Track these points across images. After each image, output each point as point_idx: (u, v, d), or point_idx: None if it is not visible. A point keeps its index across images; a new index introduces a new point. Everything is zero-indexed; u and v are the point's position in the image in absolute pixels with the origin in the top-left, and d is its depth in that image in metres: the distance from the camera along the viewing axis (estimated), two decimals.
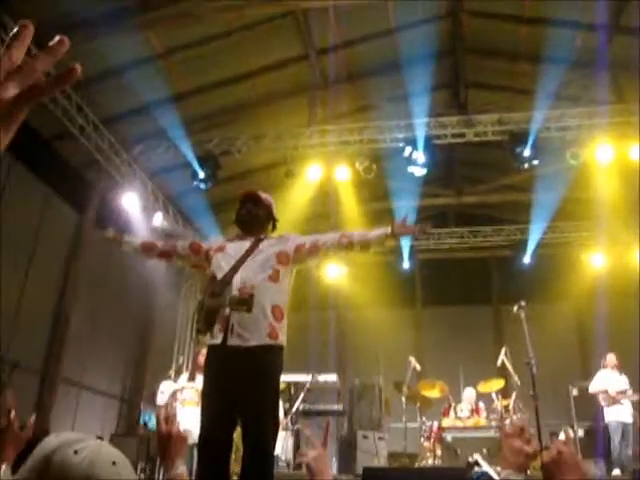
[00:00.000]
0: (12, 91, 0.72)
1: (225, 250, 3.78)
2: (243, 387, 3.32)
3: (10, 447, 2.05)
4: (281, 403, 8.16)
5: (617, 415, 8.82)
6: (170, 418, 1.96)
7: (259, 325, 3.45)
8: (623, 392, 8.89)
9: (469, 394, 9.43)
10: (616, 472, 8.17)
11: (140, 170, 10.47)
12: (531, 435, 1.68)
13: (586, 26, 9.55)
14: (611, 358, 9.23)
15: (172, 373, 8.03)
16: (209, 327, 3.51)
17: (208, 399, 3.47)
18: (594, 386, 9.10)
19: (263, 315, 3.48)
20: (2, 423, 2.08)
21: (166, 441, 1.92)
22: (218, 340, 3.46)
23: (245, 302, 3.49)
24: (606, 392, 8.92)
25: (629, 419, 8.78)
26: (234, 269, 3.61)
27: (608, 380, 9.04)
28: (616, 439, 8.67)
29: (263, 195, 3.93)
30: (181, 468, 1.91)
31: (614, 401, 8.86)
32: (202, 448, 3.36)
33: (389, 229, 3.49)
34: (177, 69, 9.62)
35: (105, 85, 8.77)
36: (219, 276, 3.63)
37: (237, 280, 3.57)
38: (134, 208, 10.35)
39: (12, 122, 0.74)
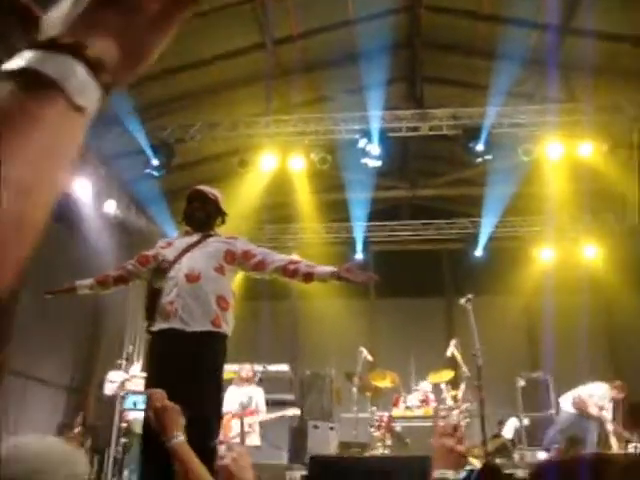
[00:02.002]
0: None
1: (172, 245, 3.87)
2: (184, 372, 3.32)
3: None
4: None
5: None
6: (161, 394, 2.15)
7: (203, 311, 3.49)
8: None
9: (423, 386, 9.54)
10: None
11: (91, 155, 10.25)
12: (463, 434, 1.71)
13: (540, 26, 9.73)
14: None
15: (121, 362, 7.94)
16: (152, 313, 3.52)
17: (150, 385, 3.46)
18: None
19: (208, 302, 3.52)
20: None
21: (163, 415, 2.08)
22: (161, 325, 3.47)
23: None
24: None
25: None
26: (179, 256, 3.64)
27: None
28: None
29: (209, 191, 3.97)
30: (180, 437, 2.04)
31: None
32: (145, 436, 3.34)
33: (335, 270, 3.50)
34: None
35: None
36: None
37: (184, 266, 3.60)
38: (85, 194, 10.14)
39: (160, 34, 0.69)
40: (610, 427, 8.95)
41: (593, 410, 8.97)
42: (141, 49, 0.68)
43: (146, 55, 0.69)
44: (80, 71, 0.60)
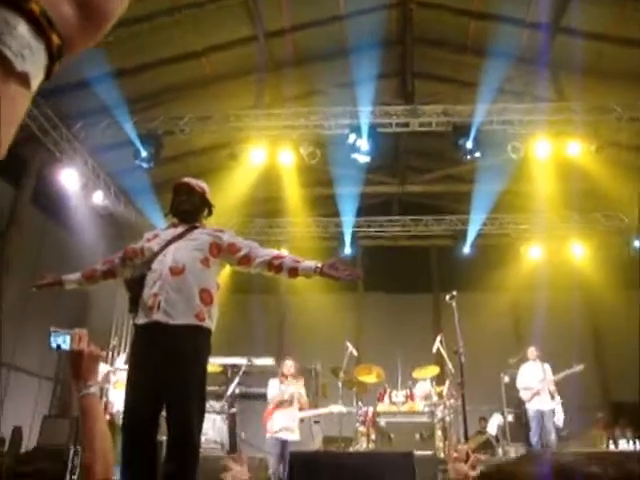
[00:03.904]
0: None
1: (158, 237, 3.83)
2: (167, 366, 3.32)
3: None
4: (216, 386, 8.18)
5: (535, 405, 9.27)
6: (83, 336, 1.95)
7: (186, 305, 3.47)
8: (542, 380, 9.29)
9: (423, 386, 9.47)
10: None
11: (80, 146, 10.20)
12: (476, 460, 1.72)
13: (530, 24, 9.77)
14: (531, 351, 9.62)
15: (105, 354, 7.92)
16: (135, 305, 3.51)
17: (132, 379, 3.46)
18: (519, 382, 9.50)
19: (191, 296, 3.51)
20: None
21: (78, 359, 1.91)
22: (144, 318, 3.46)
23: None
24: (527, 388, 9.30)
25: (548, 406, 9.18)
26: (163, 247, 3.64)
27: (529, 375, 9.44)
28: (533, 428, 9.13)
29: (195, 183, 3.96)
30: (93, 389, 1.89)
31: (533, 394, 9.27)
32: (126, 429, 3.34)
33: (319, 266, 3.50)
34: (121, 45, 9.35)
35: None
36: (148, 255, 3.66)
37: (168, 258, 3.59)
38: (73, 185, 10.10)
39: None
40: None
41: None
42: (99, 7, 0.58)
43: (106, 15, 0.59)
44: (21, 28, 0.49)
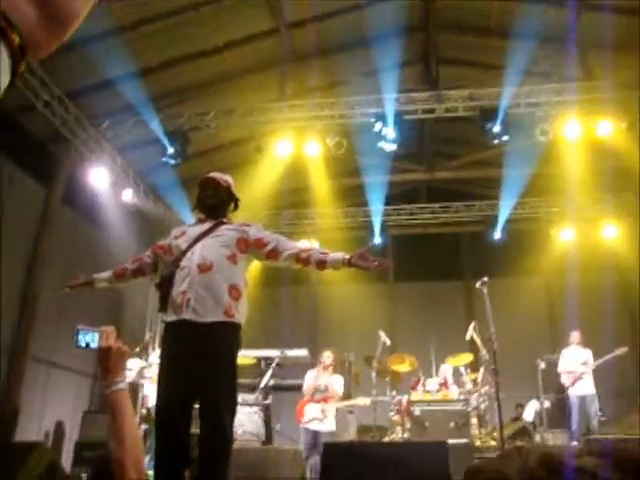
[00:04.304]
0: None
1: (186, 234, 3.85)
2: (198, 363, 3.35)
3: None
4: (249, 379, 8.25)
5: (577, 390, 9.17)
6: (110, 333, 1.98)
7: (215, 302, 3.48)
8: (585, 364, 9.18)
9: (445, 369, 9.53)
10: (574, 444, 8.43)
11: (108, 145, 10.32)
12: None
13: (556, 1, 9.57)
14: (575, 335, 9.51)
15: (140, 350, 8.02)
16: (164, 304, 3.54)
17: (164, 376, 3.49)
18: (560, 367, 9.39)
19: (220, 293, 3.52)
20: None
21: (107, 356, 1.93)
22: (174, 316, 3.49)
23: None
24: (570, 372, 9.20)
25: (590, 391, 9.06)
26: (191, 245, 3.65)
27: (571, 359, 9.33)
28: (574, 414, 9.02)
29: (221, 177, 3.97)
30: (122, 385, 1.92)
31: (575, 379, 9.15)
32: (159, 425, 3.38)
33: (347, 257, 3.49)
34: (144, 43, 9.45)
35: (69, 59, 8.57)
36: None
37: (196, 256, 3.61)
38: (103, 184, 10.23)
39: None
40: None
41: None
42: (61, 8, 0.57)
43: (68, 15, 0.58)
44: None
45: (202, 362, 3.35)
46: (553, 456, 0.93)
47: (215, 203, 3.91)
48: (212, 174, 3.99)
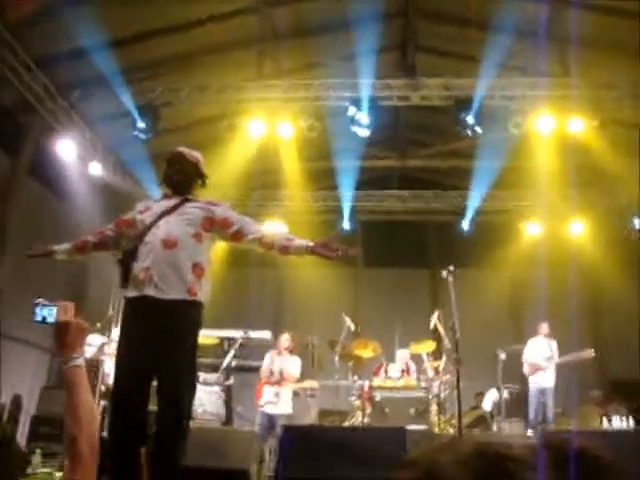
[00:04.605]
0: None
1: (151, 209, 3.78)
2: (158, 340, 3.32)
3: None
4: (212, 359, 8.23)
5: (537, 380, 9.30)
6: (69, 308, 1.93)
7: (179, 279, 3.45)
8: (549, 359, 9.31)
9: (403, 355, 9.61)
10: (529, 433, 8.59)
11: (77, 117, 10.10)
12: None
13: None
14: (542, 327, 9.65)
15: (101, 326, 7.92)
16: (126, 279, 3.48)
17: (123, 351, 3.45)
18: (525, 355, 9.52)
19: (184, 270, 3.49)
20: None
21: (64, 330, 1.88)
22: (135, 292, 3.44)
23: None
24: (533, 363, 9.33)
25: (550, 382, 9.21)
26: (156, 220, 3.60)
27: (536, 350, 9.45)
28: (532, 404, 9.20)
29: (189, 154, 3.91)
30: (79, 361, 1.88)
31: (536, 369, 9.29)
32: (116, 399, 3.34)
33: (310, 244, 3.50)
34: (119, 13, 9.21)
35: (39, 25, 8.34)
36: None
37: (161, 231, 3.54)
38: (71, 156, 10.02)
39: None
40: None
41: None
42: None
43: None
44: None
45: (162, 338, 3.32)
46: (488, 446, 0.93)
47: (182, 179, 3.85)
48: (180, 149, 3.93)
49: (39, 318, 2.04)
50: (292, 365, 7.98)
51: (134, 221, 3.77)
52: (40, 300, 2.07)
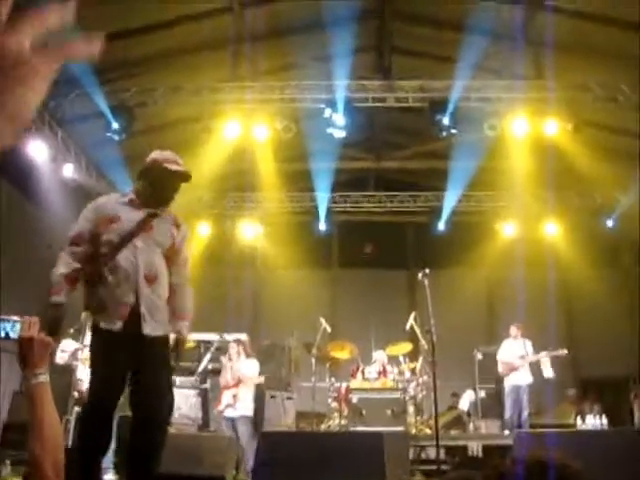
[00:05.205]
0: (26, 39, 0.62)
1: (119, 221, 3.48)
2: (140, 369, 3.31)
3: None
4: (188, 362, 8.13)
5: (512, 380, 9.34)
6: (33, 323, 1.86)
7: (163, 313, 3.45)
8: (523, 357, 9.36)
9: (379, 356, 9.60)
10: (506, 432, 8.63)
11: (49, 117, 9.92)
12: None
13: (510, 0, 9.67)
14: (513, 329, 9.68)
15: (74, 331, 7.79)
16: (97, 304, 3.39)
17: (100, 376, 3.36)
18: (499, 355, 9.55)
19: (164, 302, 3.46)
20: None
21: (28, 346, 1.81)
22: (118, 325, 3.31)
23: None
24: (507, 363, 9.37)
25: (525, 381, 9.27)
26: (127, 240, 3.41)
27: (510, 350, 9.50)
28: (508, 403, 9.18)
29: None
30: (43, 377, 1.81)
31: (510, 369, 9.34)
32: (89, 412, 3.28)
33: (177, 337, 3.61)
34: (92, 12, 9.06)
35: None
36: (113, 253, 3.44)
37: (140, 263, 3.39)
38: (42, 157, 9.83)
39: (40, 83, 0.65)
40: None
41: None
42: (17, 109, 0.65)
43: (23, 114, 0.66)
44: None
45: (145, 370, 3.31)
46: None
47: (172, 200, 3.66)
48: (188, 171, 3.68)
49: (2, 334, 1.97)
50: (246, 366, 7.77)
51: (92, 235, 3.46)
52: (2, 316, 2.00)
